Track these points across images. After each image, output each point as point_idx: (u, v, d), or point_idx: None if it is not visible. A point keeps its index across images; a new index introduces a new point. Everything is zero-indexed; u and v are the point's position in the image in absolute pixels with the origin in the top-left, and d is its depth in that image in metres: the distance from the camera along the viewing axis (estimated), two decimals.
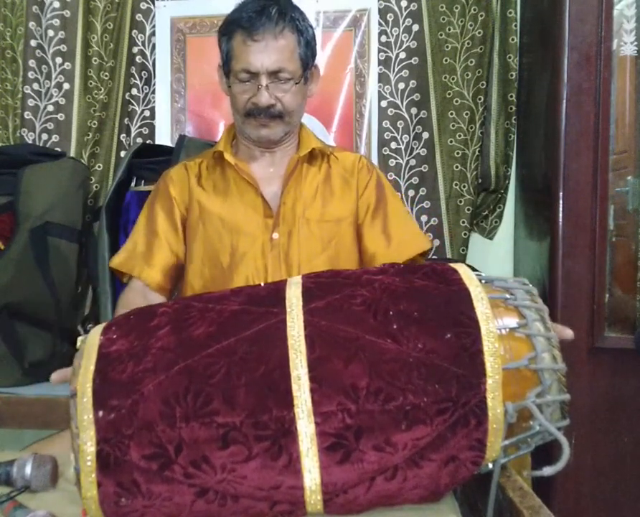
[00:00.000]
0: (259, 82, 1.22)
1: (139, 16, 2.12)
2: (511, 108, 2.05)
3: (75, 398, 0.72)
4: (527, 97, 2.01)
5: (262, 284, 0.88)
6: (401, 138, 2.07)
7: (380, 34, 2.07)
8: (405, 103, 2.07)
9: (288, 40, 1.23)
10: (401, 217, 1.35)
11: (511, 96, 2.04)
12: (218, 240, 1.27)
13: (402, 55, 2.07)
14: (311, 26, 1.30)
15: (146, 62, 2.13)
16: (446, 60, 2.04)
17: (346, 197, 1.32)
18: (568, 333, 0.85)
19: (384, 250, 1.30)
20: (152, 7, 2.12)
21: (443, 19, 2.04)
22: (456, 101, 2.04)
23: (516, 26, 2.03)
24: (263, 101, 1.23)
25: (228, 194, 1.30)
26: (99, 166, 2.13)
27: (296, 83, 1.25)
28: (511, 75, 2.03)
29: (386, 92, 2.07)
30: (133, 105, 2.12)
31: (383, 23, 2.06)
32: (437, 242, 2.06)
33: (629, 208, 1.66)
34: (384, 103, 2.07)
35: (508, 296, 0.80)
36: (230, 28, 1.25)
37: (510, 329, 0.77)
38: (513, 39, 2.03)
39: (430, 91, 2.05)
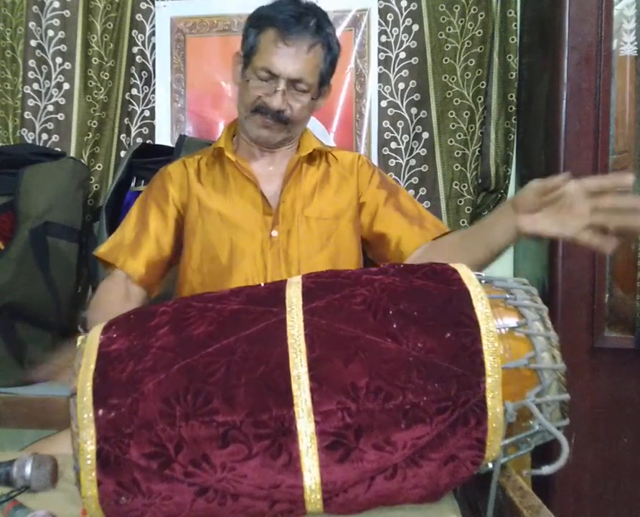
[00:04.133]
0: (277, 85, 1.21)
1: (139, 16, 2.12)
2: (511, 108, 2.05)
3: (75, 397, 0.72)
4: (527, 97, 2.01)
5: (262, 284, 0.88)
6: (401, 138, 2.07)
7: (380, 34, 2.07)
8: (405, 103, 2.07)
9: (317, 54, 1.22)
10: (413, 205, 1.35)
11: (511, 96, 2.04)
12: (217, 236, 1.27)
13: (402, 55, 2.07)
14: (339, 45, 1.28)
15: (146, 62, 2.13)
16: (446, 60, 2.04)
17: (344, 194, 1.32)
18: (628, 178, 0.84)
19: (409, 231, 1.27)
20: (152, 7, 2.12)
21: (443, 19, 2.04)
22: (456, 101, 2.04)
23: (516, 26, 2.03)
24: (275, 104, 1.22)
25: (227, 190, 1.30)
26: (99, 166, 2.13)
27: (312, 98, 1.25)
28: (511, 75, 2.03)
29: (386, 92, 2.07)
30: (133, 105, 2.12)
31: (383, 23, 2.07)
32: None
33: None
34: (384, 103, 2.07)
35: (508, 296, 0.80)
36: (263, 22, 1.23)
37: (510, 329, 0.77)
38: (513, 39, 2.03)
39: (430, 91, 2.05)
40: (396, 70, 2.07)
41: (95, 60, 2.14)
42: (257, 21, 1.25)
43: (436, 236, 1.28)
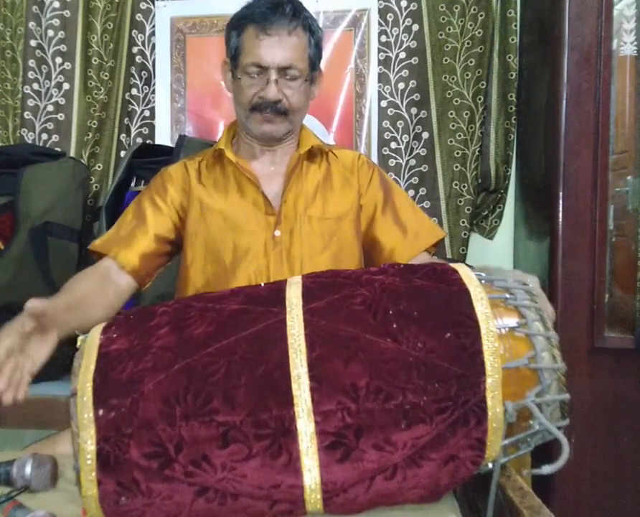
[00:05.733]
0: (268, 76, 1.22)
1: (139, 16, 2.12)
2: (511, 108, 2.05)
3: (75, 397, 0.72)
4: (527, 97, 2.01)
5: (263, 284, 0.88)
6: (401, 138, 2.07)
7: (380, 34, 2.07)
8: (405, 103, 2.07)
9: (300, 38, 1.23)
10: (410, 209, 1.36)
11: (511, 96, 2.04)
12: (220, 237, 1.27)
13: (402, 55, 2.07)
14: (320, 29, 1.30)
15: (146, 62, 2.13)
16: (446, 60, 2.04)
17: (346, 194, 1.32)
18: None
19: (402, 243, 1.30)
20: (152, 7, 2.12)
21: (443, 19, 2.04)
22: (456, 101, 2.04)
23: (516, 26, 2.03)
24: (271, 95, 1.23)
25: (229, 191, 1.30)
26: (99, 166, 2.13)
27: (305, 81, 1.25)
28: (511, 75, 2.03)
29: (386, 92, 2.07)
30: (133, 105, 2.12)
31: (383, 23, 2.06)
32: None
33: (629, 208, 1.66)
34: (384, 103, 2.07)
35: (508, 296, 0.80)
36: (242, 22, 1.25)
37: (510, 329, 0.77)
38: (513, 39, 2.03)
39: (430, 91, 2.05)
40: (396, 70, 2.07)
41: (95, 60, 2.14)
42: (237, 22, 1.27)
43: (431, 244, 1.32)
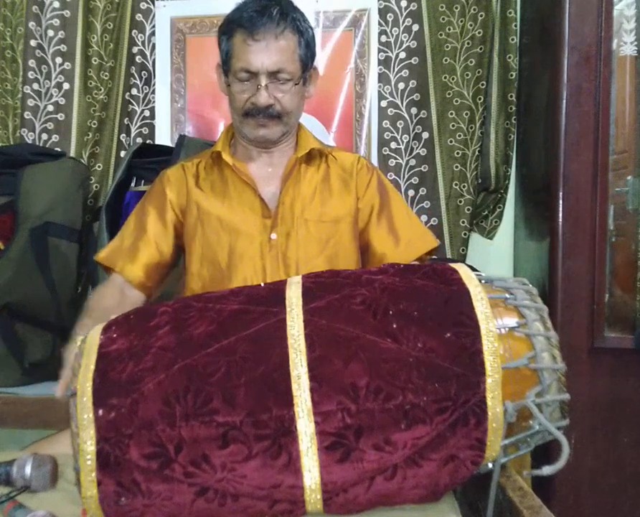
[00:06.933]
0: (258, 82, 1.22)
1: (139, 16, 2.12)
2: (511, 108, 2.05)
3: (75, 398, 0.72)
4: (527, 97, 2.01)
5: (262, 284, 0.88)
6: (401, 138, 2.07)
7: (380, 34, 2.07)
8: (405, 103, 2.07)
9: (288, 41, 1.23)
10: (406, 216, 1.36)
11: (511, 96, 2.05)
12: (216, 240, 1.27)
13: (402, 55, 2.07)
14: (311, 28, 1.30)
15: (146, 62, 2.13)
16: (446, 60, 2.04)
17: (344, 197, 1.32)
18: None
19: (393, 250, 1.31)
20: (152, 7, 2.12)
21: (443, 19, 2.04)
22: (456, 101, 2.04)
23: (516, 26, 2.03)
24: (262, 101, 1.23)
25: (226, 194, 1.30)
26: (99, 166, 2.13)
27: (295, 84, 1.25)
28: (511, 75, 2.03)
29: (386, 92, 2.07)
30: (133, 105, 2.12)
31: (383, 23, 2.06)
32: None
33: (629, 208, 1.66)
34: (384, 103, 2.07)
35: (508, 296, 0.80)
36: (231, 27, 1.25)
37: (510, 329, 0.77)
38: (513, 39, 2.03)
39: (430, 91, 2.05)
40: (396, 70, 2.07)
41: (95, 60, 2.14)
42: (226, 26, 1.26)
43: (422, 253, 1.32)
